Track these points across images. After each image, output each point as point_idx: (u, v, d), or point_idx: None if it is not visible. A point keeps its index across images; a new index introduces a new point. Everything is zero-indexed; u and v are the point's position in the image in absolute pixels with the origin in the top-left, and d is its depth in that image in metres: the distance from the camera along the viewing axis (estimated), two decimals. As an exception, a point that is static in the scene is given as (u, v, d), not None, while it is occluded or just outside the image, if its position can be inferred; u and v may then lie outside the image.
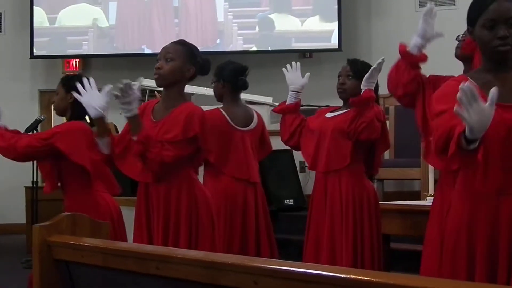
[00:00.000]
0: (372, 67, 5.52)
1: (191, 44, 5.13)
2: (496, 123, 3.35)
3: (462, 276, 3.64)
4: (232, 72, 6.18)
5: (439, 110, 3.54)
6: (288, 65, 5.94)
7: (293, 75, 5.84)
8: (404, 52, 4.86)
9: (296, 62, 5.95)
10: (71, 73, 13.67)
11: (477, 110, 3.12)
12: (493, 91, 3.17)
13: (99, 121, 5.09)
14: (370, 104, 5.49)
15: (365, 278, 2.40)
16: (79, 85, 5.02)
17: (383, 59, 5.57)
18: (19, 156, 5.39)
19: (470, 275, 3.63)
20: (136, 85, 4.84)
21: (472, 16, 3.69)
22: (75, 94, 5.06)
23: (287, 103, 5.94)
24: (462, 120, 3.17)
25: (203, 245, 4.83)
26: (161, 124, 4.88)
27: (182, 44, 5.06)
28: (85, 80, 5.07)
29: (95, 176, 5.38)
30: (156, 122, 4.93)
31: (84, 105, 5.07)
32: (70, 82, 5.46)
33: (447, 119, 3.41)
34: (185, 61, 4.95)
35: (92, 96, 5.03)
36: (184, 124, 4.79)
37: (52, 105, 5.60)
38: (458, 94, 3.12)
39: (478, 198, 3.64)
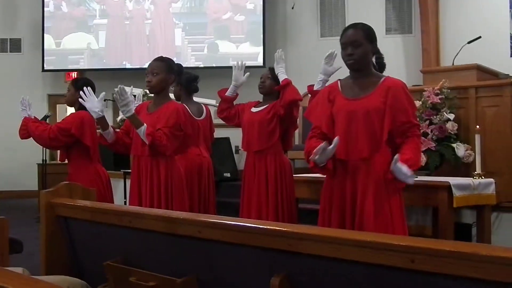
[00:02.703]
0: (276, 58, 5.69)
1: (168, 58, 5.10)
2: (340, 111, 3.82)
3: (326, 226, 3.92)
4: (187, 79, 6.18)
5: (312, 123, 4.10)
6: (235, 63, 5.87)
7: (238, 73, 5.77)
8: (311, 90, 5.00)
9: (242, 62, 5.85)
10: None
11: (323, 154, 3.69)
12: (336, 140, 3.66)
13: (101, 120, 5.10)
14: (288, 86, 5.48)
15: (281, 228, 2.41)
16: (82, 93, 5.07)
17: (280, 51, 5.72)
18: (47, 144, 5.60)
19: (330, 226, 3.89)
20: (128, 89, 4.99)
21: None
22: (80, 100, 5.10)
23: (226, 93, 5.87)
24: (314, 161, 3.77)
25: (177, 203, 4.93)
26: (155, 115, 4.92)
27: (161, 60, 5.01)
28: (85, 90, 5.09)
29: (93, 152, 5.48)
30: (151, 113, 4.96)
31: (88, 109, 5.14)
32: (78, 82, 5.60)
33: (312, 140, 3.98)
34: (166, 72, 4.95)
35: (92, 102, 5.08)
36: (174, 116, 4.88)
37: (65, 99, 5.65)
38: (315, 150, 3.71)
39: (334, 177, 3.93)
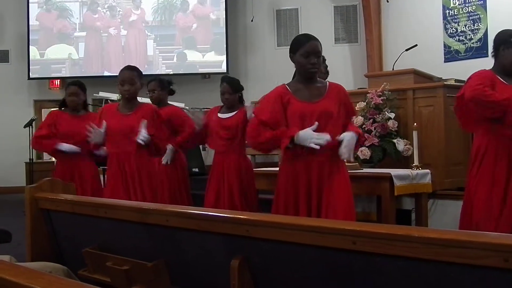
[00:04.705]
0: None
1: (137, 68, 5.06)
2: (296, 113, 3.79)
3: (292, 213, 3.79)
4: (169, 84, 6.18)
5: (263, 118, 3.90)
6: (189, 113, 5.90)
7: (195, 118, 5.76)
8: None
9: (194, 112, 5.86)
10: (55, 89, 13.92)
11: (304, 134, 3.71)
12: (314, 125, 3.70)
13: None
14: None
15: (239, 216, 2.41)
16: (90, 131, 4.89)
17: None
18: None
19: (296, 212, 3.79)
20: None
21: (294, 48, 3.88)
22: (89, 135, 4.93)
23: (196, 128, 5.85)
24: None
25: (161, 197, 4.94)
26: (131, 116, 4.91)
27: (135, 70, 4.98)
28: (92, 131, 4.90)
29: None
30: (126, 115, 4.93)
31: (94, 142, 4.99)
32: (83, 86, 5.90)
33: (270, 131, 3.84)
34: (139, 80, 4.95)
35: (97, 136, 4.92)
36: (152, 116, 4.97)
37: (73, 102, 5.80)
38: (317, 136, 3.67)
39: (298, 159, 3.81)
